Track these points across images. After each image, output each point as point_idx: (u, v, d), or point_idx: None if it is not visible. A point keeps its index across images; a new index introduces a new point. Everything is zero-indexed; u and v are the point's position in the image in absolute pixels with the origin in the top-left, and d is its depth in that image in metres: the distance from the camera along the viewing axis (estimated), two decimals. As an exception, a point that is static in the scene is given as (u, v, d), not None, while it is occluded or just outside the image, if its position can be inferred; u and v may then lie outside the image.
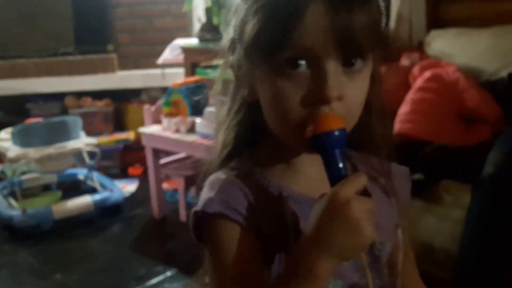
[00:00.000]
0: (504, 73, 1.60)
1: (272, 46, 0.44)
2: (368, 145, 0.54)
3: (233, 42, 0.50)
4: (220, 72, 0.54)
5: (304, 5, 0.43)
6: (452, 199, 1.39)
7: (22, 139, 2.13)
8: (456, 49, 1.74)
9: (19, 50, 2.83)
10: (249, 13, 0.46)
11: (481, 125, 1.54)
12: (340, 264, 0.46)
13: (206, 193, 0.50)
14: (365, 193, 0.49)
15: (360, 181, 0.44)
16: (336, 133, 0.44)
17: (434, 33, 1.86)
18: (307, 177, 0.52)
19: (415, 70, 1.64)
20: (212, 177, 0.52)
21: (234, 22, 0.49)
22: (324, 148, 0.45)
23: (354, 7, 0.43)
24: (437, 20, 1.95)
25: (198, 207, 0.49)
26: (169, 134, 1.94)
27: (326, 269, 0.43)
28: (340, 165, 0.45)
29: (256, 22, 0.45)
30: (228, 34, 0.51)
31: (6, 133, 2.26)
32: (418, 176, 1.39)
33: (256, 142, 0.52)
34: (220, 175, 0.51)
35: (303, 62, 0.44)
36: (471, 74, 1.64)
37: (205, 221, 0.49)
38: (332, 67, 0.44)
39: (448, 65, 1.61)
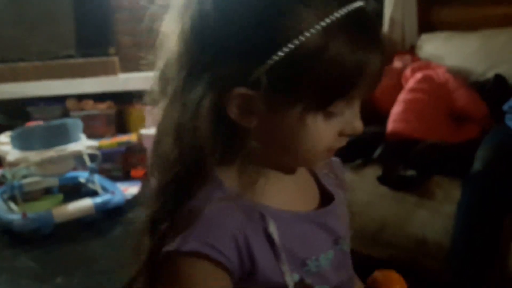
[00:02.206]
0: (491, 74, 1.82)
1: (327, 99, 0.47)
2: None
3: (240, 76, 0.47)
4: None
5: (369, 62, 0.47)
6: (443, 194, 1.56)
7: (21, 142, 2.25)
8: (446, 51, 1.95)
9: (20, 54, 3.00)
10: (290, 60, 0.46)
11: (470, 123, 1.74)
12: None
13: (181, 230, 0.48)
14: (328, 196, 0.58)
15: None
16: None
17: (425, 37, 2.07)
18: (284, 191, 0.55)
19: (407, 72, 1.84)
20: (185, 209, 0.49)
21: (243, 55, 0.47)
22: None
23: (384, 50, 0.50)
24: (428, 24, 2.16)
25: (171, 246, 0.47)
26: (171, 136, 2.12)
27: None
28: None
29: (310, 74, 0.46)
30: (216, 66, 0.48)
31: (5, 137, 2.39)
32: (411, 172, 1.58)
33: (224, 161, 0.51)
34: (194, 205, 0.49)
35: (344, 106, 0.49)
36: (460, 75, 1.84)
37: (174, 260, 0.48)
38: (357, 106, 0.51)
39: (439, 67, 1.81)
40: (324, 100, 0.47)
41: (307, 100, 0.47)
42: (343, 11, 0.45)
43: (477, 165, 1.46)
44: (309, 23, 0.45)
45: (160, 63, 0.53)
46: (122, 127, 2.98)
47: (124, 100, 2.98)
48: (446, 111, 1.74)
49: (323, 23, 0.45)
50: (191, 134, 0.49)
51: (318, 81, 0.46)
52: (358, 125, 0.51)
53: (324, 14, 0.45)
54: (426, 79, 1.75)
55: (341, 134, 0.51)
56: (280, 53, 0.45)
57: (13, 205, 2.30)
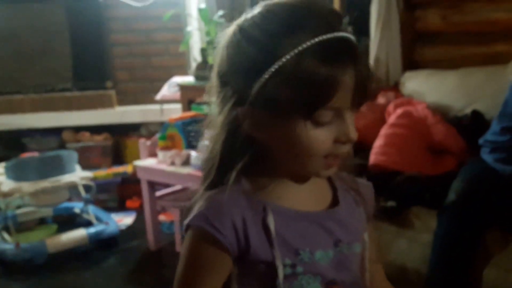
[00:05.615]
0: (468, 110, 2.03)
1: (309, 109, 0.60)
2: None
3: (241, 96, 0.62)
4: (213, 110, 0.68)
5: (341, 77, 0.59)
6: (421, 224, 1.72)
7: (16, 173, 2.40)
8: (427, 88, 2.17)
9: (17, 86, 3.24)
10: (275, 80, 0.59)
11: (447, 156, 1.93)
12: None
13: (198, 208, 0.64)
14: (336, 201, 0.71)
15: None
16: None
17: (408, 74, 2.31)
18: (293, 193, 0.67)
19: (390, 107, 2.07)
20: (207, 194, 0.66)
21: (243, 79, 0.62)
22: None
23: (368, 67, 0.63)
24: (412, 62, 2.41)
25: (188, 219, 0.64)
26: (164, 167, 2.25)
27: None
28: None
29: (291, 89, 0.59)
30: (228, 90, 0.64)
31: (0, 167, 2.54)
32: (391, 203, 1.76)
33: (248, 169, 0.66)
34: (216, 193, 0.65)
35: (331, 114, 0.61)
36: (440, 110, 2.05)
37: (186, 232, 0.65)
38: (349, 116, 0.63)
39: (419, 103, 2.03)
40: (305, 110, 0.60)
41: (292, 111, 0.60)
42: (315, 40, 0.59)
43: (451, 196, 1.63)
44: (287, 51, 0.59)
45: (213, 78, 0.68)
46: (118, 158, 3.19)
47: (121, 132, 3.21)
48: (424, 144, 1.93)
49: (296, 50, 0.58)
50: (218, 143, 0.66)
51: (296, 94, 0.59)
52: (350, 133, 0.62)
53: (300, 43, 0.59)
54: (406, 115, 1.97)
55: (336, 141, 0.63)
56: (265, 75, 0.60)
57: (6, 235, 2.42)
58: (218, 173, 0.67)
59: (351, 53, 0.61)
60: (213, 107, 0.67)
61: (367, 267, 0.72)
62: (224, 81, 0.65)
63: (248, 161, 0.65)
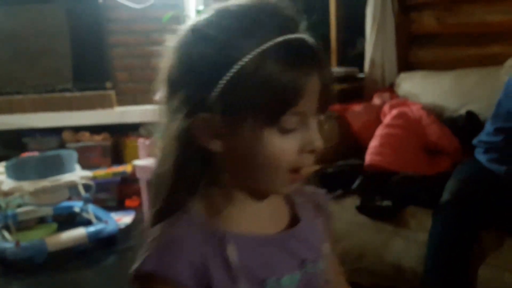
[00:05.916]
0: (463, 111, 2.06)
1: (274, 114, 0.54)
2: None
3: (196, 102, 0.56)
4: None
5: (306, 81, 0.55)
6: (416, 223, 1.73)
7: (16, 172, 2.42)
8: (423, 89, 2.20)
9: (17, 87, 3.26)
10: (236, 83, 0.54)
11: (442, 156, 1.96)
12: None
13: (146, 250, 0.56)
14: (295, 218, 0.66)
15: None
16: None
17: (403, 75, 2.34)
18: (250, 215, 0.61)
19: (385, 108, 2.10)
20: (155, 231, 0.58)
21: (199, 83, 0.55)
22: None
23: (331, 73, 0.60)
24: (407, 63, 2.45)
25: (134, 266, 0.56)
26: (164, 167, 2.33)
27: None
28: None
29: (255, 93, 0.54)
30: (180, 96, 0.57)
31: (0, 167, 2.56)
32: (387, 203, 1.77)
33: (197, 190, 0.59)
34: (166, 226, 0.58)
35: (296, 120, 0.56)
36: (435, 111, 2.08)
37: (138, 280, 0.56)
38: (313, 123, 0.58)
39: (414, 104, 2.06)
40: (270, 115, 0.54)
41: (256, 117, 0.54)
42: (278, 39, 0.54)
43: (445, 195, 1.65)
44: (248, 51, 0.54)
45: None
46: (117, 158, 3.22)
47: (120, 132, 3.23)
48: (420, 145, 1.96)
49: (258, 50, 0.53)
50: (169, 160, 0.58)
51: (260, 98, 0.54)
52: (316, 141, 0.57)
53: (261, 43, 0.54)
54: (401, 115, 2.00)
55: (301, 151, 0.57)
56: (226, 78, 0.54)
57: (6, 234, 2.44)
58: (168, 197, 0.59)
59: (314, 56, 0.57)
60: (163, 118, 0.59)
61: (329, 279, 0.68)
62: (175, 86, 0.58)
63: (205, 180, 0.58)
